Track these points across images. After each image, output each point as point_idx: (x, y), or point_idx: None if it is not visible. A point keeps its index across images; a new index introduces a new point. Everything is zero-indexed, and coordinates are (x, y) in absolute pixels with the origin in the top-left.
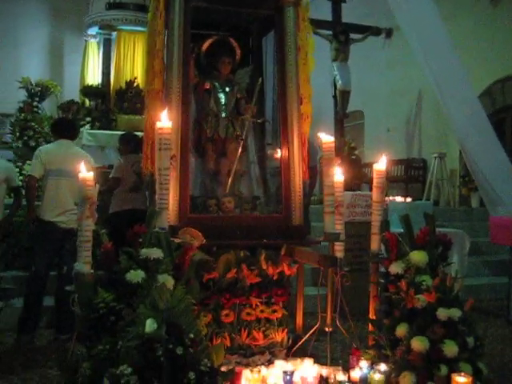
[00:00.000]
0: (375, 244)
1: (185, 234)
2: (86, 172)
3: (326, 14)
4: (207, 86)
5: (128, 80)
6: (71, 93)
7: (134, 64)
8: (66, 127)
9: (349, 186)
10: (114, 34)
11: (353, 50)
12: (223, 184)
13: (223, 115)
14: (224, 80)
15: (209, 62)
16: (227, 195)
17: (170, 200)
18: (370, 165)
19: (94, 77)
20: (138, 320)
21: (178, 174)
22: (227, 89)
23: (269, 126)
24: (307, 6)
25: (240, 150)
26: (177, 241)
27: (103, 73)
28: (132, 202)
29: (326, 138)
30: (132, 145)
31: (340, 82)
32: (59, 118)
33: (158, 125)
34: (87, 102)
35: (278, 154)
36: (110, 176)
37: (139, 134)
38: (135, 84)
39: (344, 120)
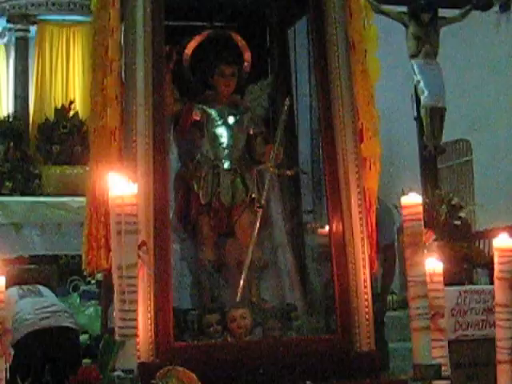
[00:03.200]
0: (505, 380)
1: (168, 379)
2: None
3: None
4: (197, 116)
5: (59, 106)
6: None
7: (68, 78)
8: None
9: (453, 276)
10: (34, 29)
11: (444, 38)
12: (231, 286)
13: (226, 166)
14: (225, 104)
15: (198, 76)
16: (239, 305)
17: (140, 319)
18: (487, 234)
19: (0, 103)
20: None
21: (153, 273)
22: (231, 119)
23: (306, 181)
24: None
25: (258, 224)
26: None
27: (16, 96)
28: (50, 314)
29: (407, 198)
30: None
31: (426, 93)
32: None
33: (114, 192)
34: None
35: (325, 228)
36: None
37: None
38: (72, 112)
39: (438, 158)
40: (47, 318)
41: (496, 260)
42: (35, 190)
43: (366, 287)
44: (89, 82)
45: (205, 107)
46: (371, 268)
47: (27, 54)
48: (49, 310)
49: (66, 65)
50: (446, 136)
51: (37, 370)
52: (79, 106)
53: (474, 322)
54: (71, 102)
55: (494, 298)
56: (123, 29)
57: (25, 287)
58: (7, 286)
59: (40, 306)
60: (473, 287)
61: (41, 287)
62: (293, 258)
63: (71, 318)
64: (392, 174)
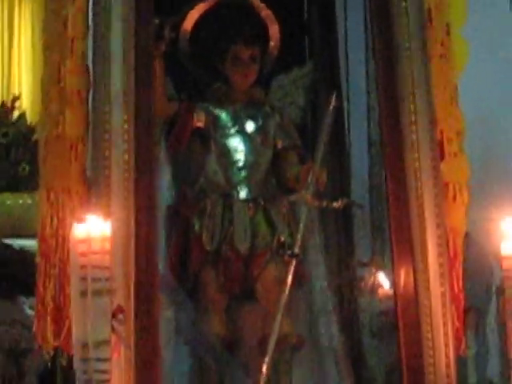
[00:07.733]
0: None
1: None
2: None
3: None
4: (200, 121)
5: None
6: None
7: (11, 63)
8: None
9: None
10: None
11: None
12: (250, 372)
13: (242, 195)
14: (242, 104)
15: (202, 62)
16: None
17: None
18: None
19: None
20: None
21: (133, 356)
22: (250, 126)
23: (362, 218)
24: None
25: (290, 282)
26: None
27: None
28: None
29: (510, 244)
30: None
31: None
32: None
33: (77, 234)
34: None
35: (388, 287)
36: None
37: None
38: (16, 113)
39: None
40: None
41: None
42: None
43: (449, 376)
44: (40, 70)
45: (211, 108)
46: (457, 346)
47: None
48: None
49: (9, 42)
50: None
51: None
52: (27, 105)
53: None
54: (15, 99)
55: None
56: None
57: None
58: None
59: None
60: None
61: None
62: (340, 332)
63: None
64: (491, 206)
